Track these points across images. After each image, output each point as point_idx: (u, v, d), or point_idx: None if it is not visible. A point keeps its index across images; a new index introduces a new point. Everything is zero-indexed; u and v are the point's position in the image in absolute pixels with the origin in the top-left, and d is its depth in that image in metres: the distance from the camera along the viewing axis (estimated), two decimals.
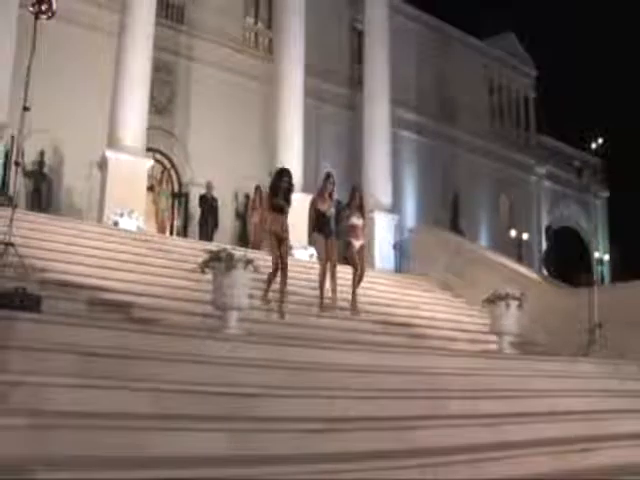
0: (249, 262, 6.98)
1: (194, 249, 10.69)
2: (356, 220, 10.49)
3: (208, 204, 16.38)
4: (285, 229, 9.31)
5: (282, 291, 9.09)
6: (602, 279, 24.37)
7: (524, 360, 8.57)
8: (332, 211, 10.01)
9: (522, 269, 14.13)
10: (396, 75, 19.71)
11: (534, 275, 13.85)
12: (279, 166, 10.81)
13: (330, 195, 10.02)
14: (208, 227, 16.17)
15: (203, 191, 16.57)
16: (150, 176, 15.25)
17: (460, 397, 5.92)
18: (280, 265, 9.14)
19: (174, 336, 5.35)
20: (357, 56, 21.41)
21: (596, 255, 25.56)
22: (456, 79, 25.38)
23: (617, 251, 28.51)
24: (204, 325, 7.54)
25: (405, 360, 6.56)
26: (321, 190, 10.14)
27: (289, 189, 9.39)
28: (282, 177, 9.36)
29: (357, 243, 10.42)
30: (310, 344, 6.50)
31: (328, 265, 9.92)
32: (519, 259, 20.91)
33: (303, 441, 4.26)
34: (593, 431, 6.14)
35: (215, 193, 16.59)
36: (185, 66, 18.25)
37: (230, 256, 6.91)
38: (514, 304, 9.50)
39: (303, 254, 14.80)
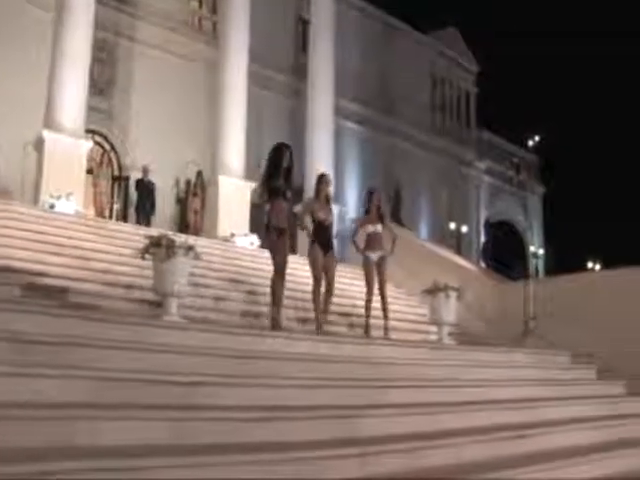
0: (190, 249, 6.90)
1: (134, 234, 10.50)
2: (372, 227, 9.53)
3: (145, 188, 16.09)
4: (288, 218, 7.77)
5: (281, 299, 7.75)
6: (537, 272, 25.08)
7: (462, 350, 8.73)
8: (331, 219, 8.87)
9: (461, 261, 14.39)
10: (341, 65, 19.73)
11: (472, 267, 14.13)
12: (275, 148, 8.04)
13: (327, 199, 8.87)
14: (145, 212, 15.90)
15: (140, 175, 16.29)
16: (89, 158, 14.87)
17: (400, 386, 5.98)
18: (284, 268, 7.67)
19: (112, 323, 5.23)
20: (302, 45, 21.33)
21: (531, 249, 26.35)
22: (400, 72, 25.57)
23: (551, 245, 29.39)
24: (144, 312, 7.41)
25: (347, 349, 6.58)
26: (317, 194, 8.86)
27: (290, 168, 7.84)
28: (282, 153, 7.81)
29: (374, 255, 9.40)
30: (251, 332, 6.47)
31: (323, 284, 8.49)
32: (458, 251, 21.31)
33: (243, 430, 4.23)
34: (527, 418, 6.30)
35: (156, 178, 16.32)
36: (127, 47, 17.83)
37: (171, 242, 6.81)
38: (453, 295, 9.69)
39: (244, 241, 14.73)
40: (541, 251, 28.92)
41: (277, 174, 7.71)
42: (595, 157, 34.87)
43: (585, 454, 5.85)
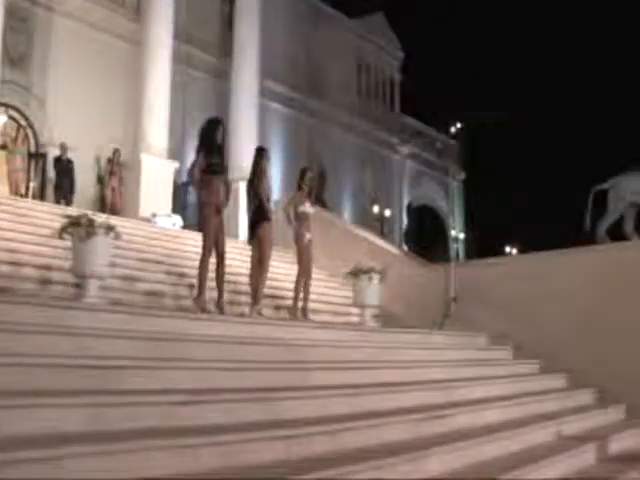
0: (110, 229, 6.73)
1: (52, 214, 10.13)
2: (303, 207, 9.48)
3: (63, 167, 15.56)
4: (222, 196, 7.68)
5: (220, 285, 7.67)
6: (457, 256, 25.70)
7: (384, 333, 8.85)
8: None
9: (384, 244, 14.52)
10: (267, 46, 19.55)
11: (395, 250, 14.29)
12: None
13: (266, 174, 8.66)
14: (63, 191, 15.39)
15: (58, 153, 15.72)
16: (3, 133, 14.21)
17: (322, 368, 6.01)
18: (216, 249, 7.61)
19: (28, 305, 5.03)
20: (228, 24, 21.00)
21: (452, 233, 26.97)
22: (326, 55, 25.60)
23: (471, 230, 30.17)
24: (62, 294, 7.17)
25: (269, 331, 6.56)
26: (262, 169, 8.55)
27: (222, 144, 7.87)
28: (216, 128, 7.80)
29: (308, 235, 9.45)
30: (173, 314, 6.36)
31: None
32: (381, 234, 21.58)
33: (166, 414, 4.15)
34: (447, 398, 6.45)
35: (76, 156, 15.76)
36: (44, 16, 17.07)
37: (90, 222, 6.63)
38: (376, 278, 9.80)
39: (166, 222, 14.47)
40: (462, 235, 29.68)
41: (213, 150, 7.65)
42: (515, 145, 35.91)
43: (500, 431, 6.05)
